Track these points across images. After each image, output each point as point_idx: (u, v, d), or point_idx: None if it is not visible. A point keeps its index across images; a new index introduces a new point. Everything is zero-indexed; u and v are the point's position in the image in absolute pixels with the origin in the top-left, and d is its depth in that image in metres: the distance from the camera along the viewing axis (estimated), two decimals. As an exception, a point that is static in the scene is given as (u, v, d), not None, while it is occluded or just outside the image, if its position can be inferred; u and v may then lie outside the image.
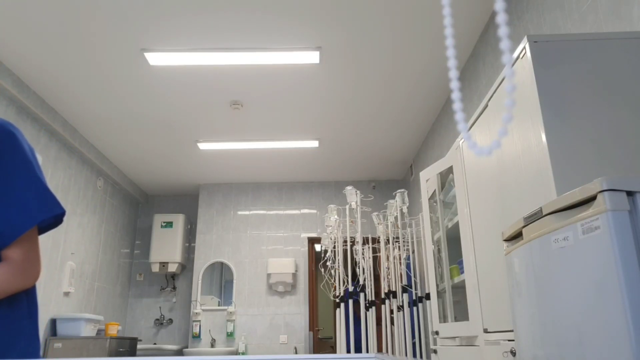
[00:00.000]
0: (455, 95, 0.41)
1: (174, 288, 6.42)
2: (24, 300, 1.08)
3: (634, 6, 1.82)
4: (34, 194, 1.06)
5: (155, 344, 6.18)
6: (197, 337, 5.88)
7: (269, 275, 6.07)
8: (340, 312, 4.00)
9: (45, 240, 4.41)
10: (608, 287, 0.96)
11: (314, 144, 5.25)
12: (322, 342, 7.05)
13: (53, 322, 4.53)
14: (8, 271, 1.01)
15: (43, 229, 1.13)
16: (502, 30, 0.37)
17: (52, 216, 1.09)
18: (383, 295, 4.26)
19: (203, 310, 6.00)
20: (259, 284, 6.14)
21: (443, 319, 2.95)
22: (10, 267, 1.02)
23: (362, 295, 4.01)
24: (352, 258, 4.26)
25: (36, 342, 1.08)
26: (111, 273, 5.89)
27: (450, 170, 2.83)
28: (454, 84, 0.41)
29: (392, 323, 4.13)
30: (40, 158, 4.06)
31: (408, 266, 4.30)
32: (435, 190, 3.10)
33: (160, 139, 5.07)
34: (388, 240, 4.33)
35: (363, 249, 4.29)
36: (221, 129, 4.88)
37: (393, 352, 4.04)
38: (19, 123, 3.96)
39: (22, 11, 3.10)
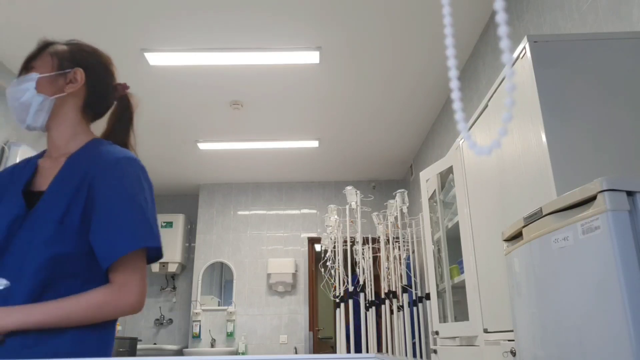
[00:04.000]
0: (455, 95, 0.41)
1: (174, 288, 6.42)
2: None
3: (634, 6, 1.82)
4: (141, 222, 1.06)
5: (155, 344, 6.18)
6: (197, 337, 5.88)
7: (269, 275, 6.07)
8: (340, 312, 3.99)
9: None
10: (608, 287, 0.96)
11: (314, 144, 5.25)
12: (322, 342, 7.05)
13: (53, 322, 4.52)
14: (104, 293, 1.02)
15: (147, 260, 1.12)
16: (502, 29, 0.37)
17: (154, 248, 1.09)
18: (383, 296, 4.26)
19: (203, 310, 6.00)
20: (259, 284, 6.14)
21: (443, 319, 2.95)
22: (108, 290, 1.03)
23: (362, 295, 4.01)
24: (352, 258, 4.26)
25: None
26: (111, 273, 5.88)
27: (450, 170, 2.83)
28: (454, 84, 0.41)
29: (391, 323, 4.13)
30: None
31: (408, 266, 4.30)
32: (435, 190, 3.10)
33: (160, 139, 5.07)
34: (388, 240, 4.33)
35: (363, 249, 4.29)
36: (221, 129, 4.88)
37: (393, 352, 4.04)
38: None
39: (22, 11, 3.10)
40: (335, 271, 4.28)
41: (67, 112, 1.16)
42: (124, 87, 1.27)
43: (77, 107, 1.17)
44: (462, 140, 2.59)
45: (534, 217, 1.24)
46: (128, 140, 1.24)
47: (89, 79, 1.18)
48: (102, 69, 1.23)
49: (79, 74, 1.16)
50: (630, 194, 0.99)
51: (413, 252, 4.33)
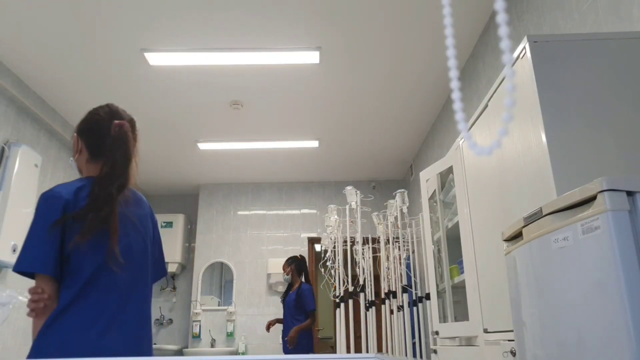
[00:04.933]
0: (456, 95, 0.41)
1: (174, 288, 6.42)
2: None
3: (634, 6, 1.82)
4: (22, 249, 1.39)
5: (155, 344, 6.17)
6: (197, 337, 5.88)
7: (269, 275, 6.07)
8: (340, 312, 3.99)
9: (45, 240, 4.40)
10: (608, 287, 0.96)
11: (314, 144, 5.24)
12: (322, 342, 7.05)
13: (53, 322, 4.52)
14: None
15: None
16: (502, 30, 0.37)
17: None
18: (383, 296, 4.25)
19: (203, 310, 6.00)
20: (259, 284, 6.14)
21: (443, 319, 2.95)
22: None
23: (362, 295, 4.01)
24: (352, 258, 4.26)
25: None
26: (111, 273, 5.88)
27: (450, 170, 2.83)
28: (454, 84, 0.41)
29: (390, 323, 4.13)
30: (40, 159, 4.06)
31: (408, 266, 4.30)
32: (435, 190, 3.10)
33: (160, 139, 5.07)
34: (388, 240, 4.32)
35: (363, 249, 4.29)
36: (221, 129, 4.88)
37: (393, 352, 4.04)
38: (19, 123, 3.95)
39: (22, 11, 3.10)
40: (335, 271, 4.28)
41: (81, 162, 1.66)
42: (118, 124, 1.69)
43: (85, 158, 1.64)
44: (462, 140, 2.59)
45: (534, 217, 1.24)
46: (129, 166, 1.64)
47: (82, 139, 1.65)
48: (92, 126, 1.68)
49: (75, 139, 1.67)
50: (630, 194, 0.99)
51: (413, 252, 4.32)
